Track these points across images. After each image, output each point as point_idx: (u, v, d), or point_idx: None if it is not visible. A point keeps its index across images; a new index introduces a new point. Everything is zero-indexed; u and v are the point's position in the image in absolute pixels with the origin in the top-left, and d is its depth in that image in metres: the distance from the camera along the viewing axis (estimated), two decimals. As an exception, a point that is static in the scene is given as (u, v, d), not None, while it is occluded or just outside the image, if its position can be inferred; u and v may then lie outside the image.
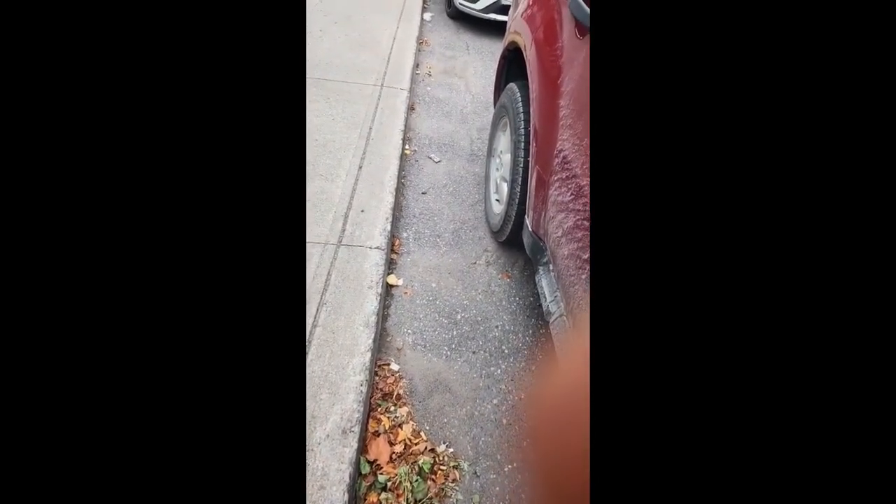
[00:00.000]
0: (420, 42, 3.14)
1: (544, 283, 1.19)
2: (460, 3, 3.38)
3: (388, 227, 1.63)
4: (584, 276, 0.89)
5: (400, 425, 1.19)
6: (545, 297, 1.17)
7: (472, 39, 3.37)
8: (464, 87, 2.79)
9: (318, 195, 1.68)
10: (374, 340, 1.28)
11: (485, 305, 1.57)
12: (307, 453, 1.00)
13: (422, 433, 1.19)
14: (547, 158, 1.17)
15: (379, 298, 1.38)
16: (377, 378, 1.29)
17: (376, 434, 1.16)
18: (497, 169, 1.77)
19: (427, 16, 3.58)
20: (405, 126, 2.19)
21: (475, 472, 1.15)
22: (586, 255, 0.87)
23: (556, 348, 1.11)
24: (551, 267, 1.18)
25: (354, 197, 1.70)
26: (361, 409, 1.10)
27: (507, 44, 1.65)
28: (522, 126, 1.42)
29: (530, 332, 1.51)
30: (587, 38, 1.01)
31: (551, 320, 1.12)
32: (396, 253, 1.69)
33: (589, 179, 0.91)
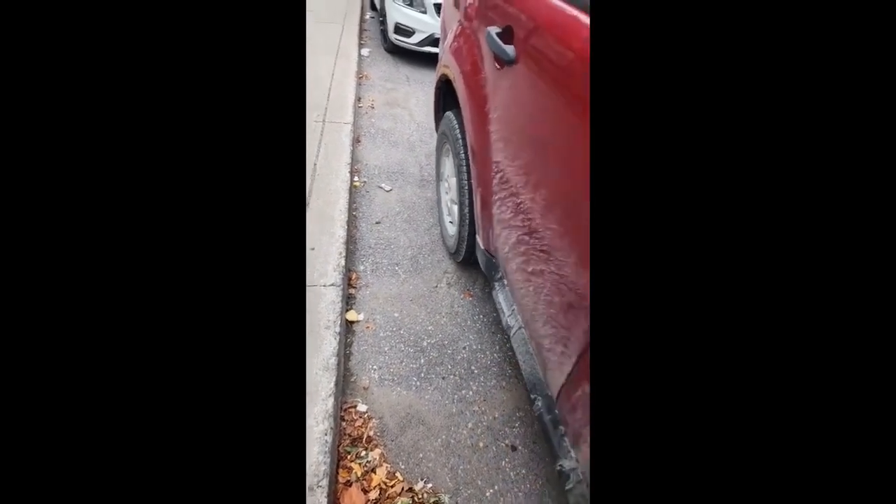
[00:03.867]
0: (360, 76, 3.19)
1: (501, 298, 1.20)
2: (395, 38, 3.49)
3: (343, 262, 1.60)
4: (531, 289, 0.90)
5: (373, 470, 1.13)
6: (503, 311, 1.17)
7: (411, 71, 3.48)
8: (408, 116, 2.84)
9: (266, 239, 1.63)
10: (337, 383, 1.23)
11: (450, 328, 1.55)
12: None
13: (397, 473, 1.14)
14: (486, 180, 1.21)
15: (338, 338, 1.33)
16: (344, 423, 1.23)
17: (348, 484, 1.09)
18: (446, 192, 1.79)
19: (364, 51, 3.67)
20: (352, 158, 2.19)
21: (457, 505, 1.11)
22: (530, 268, 0.89)
23: (519, 361, 1.11)
24: (505, 282, 1.19)
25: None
26: (328, 460, 1.04)
27: (439, 75, 1.71)
28: (462, 151, 1.46)
29: (497, 347, 1.51)
30: (506, 69, 1.06)
31: (511, 334, 1.13)
32: (354, 287, 1.66)
33: (527, 196, 0.94)
